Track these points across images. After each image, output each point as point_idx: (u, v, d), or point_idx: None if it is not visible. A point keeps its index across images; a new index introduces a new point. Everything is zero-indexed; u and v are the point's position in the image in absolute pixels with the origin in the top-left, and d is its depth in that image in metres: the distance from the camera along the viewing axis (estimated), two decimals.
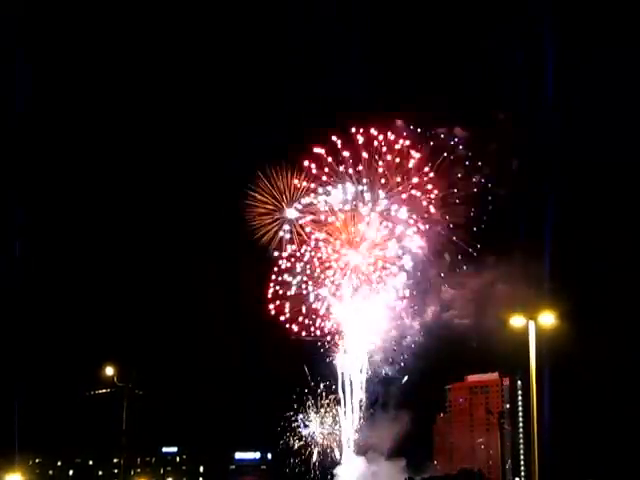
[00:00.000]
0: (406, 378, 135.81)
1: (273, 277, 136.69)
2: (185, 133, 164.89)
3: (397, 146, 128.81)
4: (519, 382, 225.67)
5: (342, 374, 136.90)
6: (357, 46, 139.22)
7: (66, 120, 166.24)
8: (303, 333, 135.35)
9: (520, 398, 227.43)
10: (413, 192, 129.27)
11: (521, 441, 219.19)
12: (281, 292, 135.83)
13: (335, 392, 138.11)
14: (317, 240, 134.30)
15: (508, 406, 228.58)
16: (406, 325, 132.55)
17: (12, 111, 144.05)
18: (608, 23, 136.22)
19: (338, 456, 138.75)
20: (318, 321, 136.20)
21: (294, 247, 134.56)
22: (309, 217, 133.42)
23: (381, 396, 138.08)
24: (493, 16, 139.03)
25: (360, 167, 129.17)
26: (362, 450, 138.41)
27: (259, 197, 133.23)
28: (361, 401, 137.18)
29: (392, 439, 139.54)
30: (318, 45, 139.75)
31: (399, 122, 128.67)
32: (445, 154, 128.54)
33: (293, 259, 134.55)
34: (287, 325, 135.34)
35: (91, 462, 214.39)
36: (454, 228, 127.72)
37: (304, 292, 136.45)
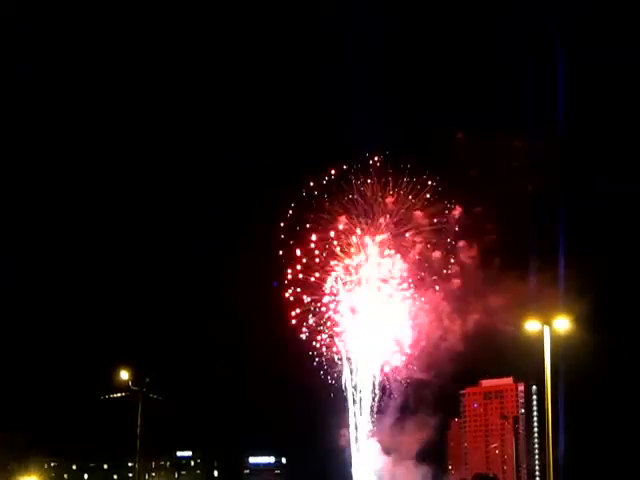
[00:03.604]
0: (432, 382, 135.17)
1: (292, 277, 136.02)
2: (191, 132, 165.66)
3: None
4: (534, 387, 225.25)
5: (368, 376, 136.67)
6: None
7: (74, 124, 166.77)
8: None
9: (535, 403, 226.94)
10: None
11: (536, 446, 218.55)
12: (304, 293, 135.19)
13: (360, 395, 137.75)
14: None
15: (523, 411, 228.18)
16: (446, 329, 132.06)
17: (9, 110, 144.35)
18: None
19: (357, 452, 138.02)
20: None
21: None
22: None
23: (411, 400, 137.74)
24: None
25: None
26: (386, 450, 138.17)
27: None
28: (382, 401, 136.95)
29: (415, 442, 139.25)
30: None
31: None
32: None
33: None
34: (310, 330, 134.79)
35: (106, 466, 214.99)
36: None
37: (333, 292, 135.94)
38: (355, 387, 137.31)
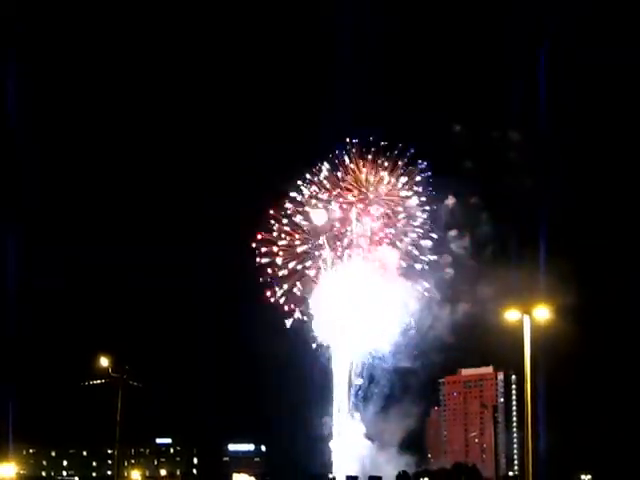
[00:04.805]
0: (416, 369, 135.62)
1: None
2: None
3: None
4: (514, 376, 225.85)
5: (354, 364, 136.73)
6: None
7: (74, 125, 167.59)
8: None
9: (515, 392, 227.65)
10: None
11: (515, 435, 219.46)
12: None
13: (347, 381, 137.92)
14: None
15: (502, 400, 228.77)
16: (435, 317, 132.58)
17: (11, 113, 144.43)
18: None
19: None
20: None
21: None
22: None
23: (396, 388, 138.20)
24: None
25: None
26: (371, 436, 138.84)
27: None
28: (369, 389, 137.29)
29: (397, 430, 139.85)
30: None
31: None
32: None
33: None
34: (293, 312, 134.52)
35: (85, 453, 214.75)
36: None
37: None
38: (339, 374, 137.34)
